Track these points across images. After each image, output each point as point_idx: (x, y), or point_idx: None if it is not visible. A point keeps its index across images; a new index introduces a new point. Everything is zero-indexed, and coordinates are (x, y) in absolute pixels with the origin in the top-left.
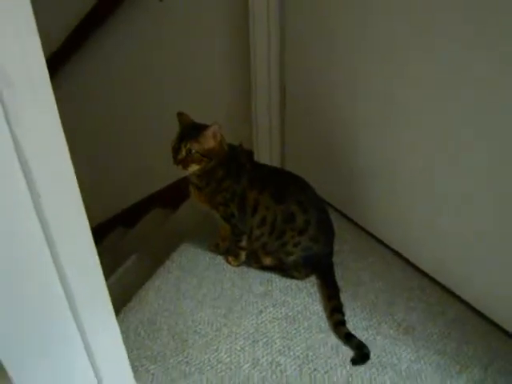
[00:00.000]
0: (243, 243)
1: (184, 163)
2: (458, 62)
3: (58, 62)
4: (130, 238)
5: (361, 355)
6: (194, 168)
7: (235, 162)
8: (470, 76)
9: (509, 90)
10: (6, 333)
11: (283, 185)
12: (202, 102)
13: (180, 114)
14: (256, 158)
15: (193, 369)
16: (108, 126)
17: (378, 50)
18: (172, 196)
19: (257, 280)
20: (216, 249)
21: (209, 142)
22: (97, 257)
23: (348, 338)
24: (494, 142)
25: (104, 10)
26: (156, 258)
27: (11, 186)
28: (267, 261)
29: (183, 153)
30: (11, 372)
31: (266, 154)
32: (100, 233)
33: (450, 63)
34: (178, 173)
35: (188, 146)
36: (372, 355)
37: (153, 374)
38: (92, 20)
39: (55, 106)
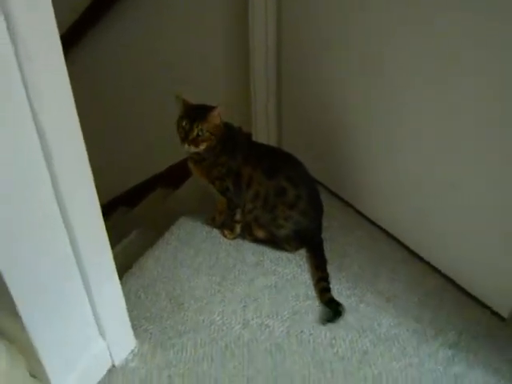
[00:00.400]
0: (238, 216)
1: (196, 142)
2: (451, 49)
3: (68, 43)
4: (133, 215)
5: (335, 313)
6: (203, 146)
7: (232, 139)
8: (461, 66)
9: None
10: (26, 295)
11: (276, 162)
12: (204, 88)
13: (178, 97)
14: (254, 139)
15: (188, 328)
16: (111, 109)
17: (373, 33)
18: (173, 176)
19: (250, 251)
20: (212, 222)
21: (216, 121)
22: (102, 218)
23: (330, 303)
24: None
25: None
26: (157, 232)
27: (27, 147)
28: (260, 233)
29: (195, 133)
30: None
31: (264, 136)
32: (103, 212)
33: (445, 50)
34: (187, 151)
35: (200, 126)
36: (354, 320)
37: (151, 333)
38: (99, 7)
39: (67, 79)
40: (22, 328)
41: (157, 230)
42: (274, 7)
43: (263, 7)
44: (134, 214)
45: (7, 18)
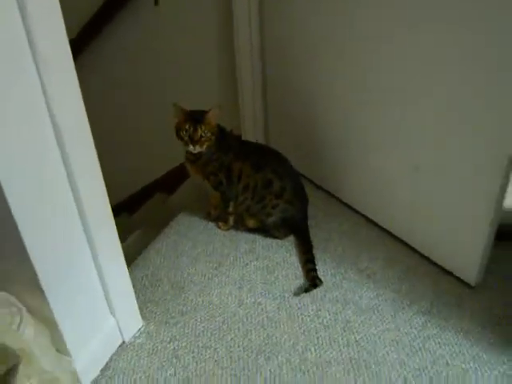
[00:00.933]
0: (230, 208)
1: (200, 143)
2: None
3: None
4: (135, 219)
5: (312, 284)
6: (206, 145)
7: (223, 138)
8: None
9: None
10: (48, 272)
11: (263, 157)
12: (198, 95)
13: (175, 105)
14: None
15: (189, 308)
16: (108, 122)
17: (350, 34)
18: (170, 181)
19: (243, 240)
20: (208, 216)
21: (213, 121)
22: (110, 209)
23: (314, 280)
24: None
25: (107, 13)
26: (158, 231)
27: (42, 137)
28: (251, 223)
29: (199, 134)
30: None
31: (252, 136)
32: None
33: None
34: (191, 151)
35: (203, 127)
36: (338, 295)
37: (155, 314)
38: (99, 20)
39: (77, 81)
40: (46, 303)
41: (158, 228)
42: (256, 10)
43: (247, 25)
44: (135, 217)
45: (26, 28)
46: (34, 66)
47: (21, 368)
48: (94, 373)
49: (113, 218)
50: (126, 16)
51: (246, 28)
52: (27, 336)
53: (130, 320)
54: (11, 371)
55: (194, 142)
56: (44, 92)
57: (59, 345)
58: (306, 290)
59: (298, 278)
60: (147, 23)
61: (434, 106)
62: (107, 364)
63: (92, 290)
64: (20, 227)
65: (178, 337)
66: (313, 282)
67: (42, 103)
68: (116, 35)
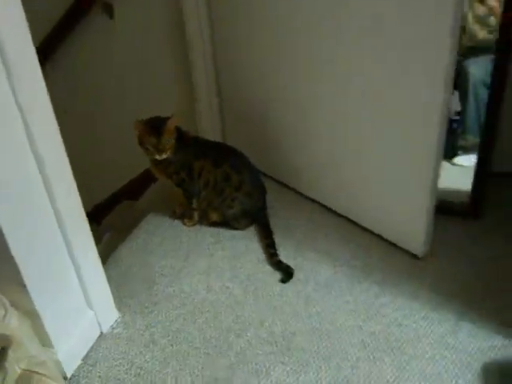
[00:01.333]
0: (194, 205)
1: (165, 150)
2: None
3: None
4: (104, 226)
5: (287, 274)
6: (169, 151)
7: (183, 140)
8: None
9: None
10: (28, 267)
11: (221, 154)
12: (156, 101)
13: (135, 122)
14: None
15: (161, 298)
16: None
17: (286, 30)
18: (137, 188)
19: (208, 234)
20: (174, 214)
21: (173, 128)
22: (84, 212)
23: (278, 265)
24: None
25: (65, 27)
26: (127, 233)
27: (17, 146)
28: (214, 216)
29: (163, 143)
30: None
31: (210, 136)
32: None
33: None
34: (159, 159)
35: (166, 136)
36: (299, 274)
37: (130, 305)
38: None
39: (46, 90)
40: (28, 297)
41: (127, 231)
42: (208, 38)
43: (199, 36)
44: (104, 224)
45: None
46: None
47: (10, 353)
48: (76, 362)
49: (87, 219)
50: (81, 32)
51: (198, 33)
52: (13, 325)
53: (106, 312)
54: (1, 354)
55: (160, 151)
56: (16, 101)
57: (42, 336)
58: (284, 281)
59: (260, 262)
60: (105, 36)
61: (368, 86)
62: (88, 354)
63: (71, 286)
64: (5, 231)
65: (153, 324)
66: (286, 271)
67: (15, 111)
68: (74, 47)
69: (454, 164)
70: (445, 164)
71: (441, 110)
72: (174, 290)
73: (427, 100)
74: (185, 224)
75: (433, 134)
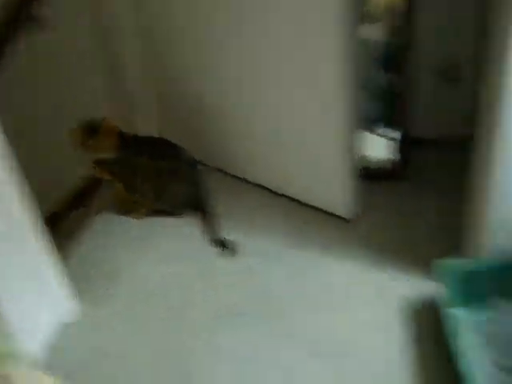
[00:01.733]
0: (137, 198)
1: (105, 149)
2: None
3: None
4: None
5: (229, 250)
6: (109, 149)
7: (123, 139)
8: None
9: None
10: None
11: (157, 147)
12: (93, 103)
13: (72, 130)
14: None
15: (116, 288)
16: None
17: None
18: (82, 197)
19: (157, 223)
20: (120, 212)
21: (111, 128)
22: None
23: (221, 243)
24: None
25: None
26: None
27: None
28: (158, 206)
29: (100, 144)
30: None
31: (147, 131)
32: None
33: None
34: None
35: (105, 134)
36: (241, 249)
37: (89, 297)
38: None
39: None
40: None
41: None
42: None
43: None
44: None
45: None
46: None
47: None
48: (42, 353)
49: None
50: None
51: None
52: None
53: (68, 305)
54: None
55: (100, 151)
56: None
57: (6, 329)
58: (227, 257)
59: (205, 244)
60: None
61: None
62: (52, 344)
63: (34, 282)
64: None
65: (111, 311)
66: (222, 244)
67: None
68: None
69: (379, 135)
70: (372, 136)
71: (344, 79)
72: (128, 280)
73: (329, 70)
74: (133, 218)
75: (341, 102)
